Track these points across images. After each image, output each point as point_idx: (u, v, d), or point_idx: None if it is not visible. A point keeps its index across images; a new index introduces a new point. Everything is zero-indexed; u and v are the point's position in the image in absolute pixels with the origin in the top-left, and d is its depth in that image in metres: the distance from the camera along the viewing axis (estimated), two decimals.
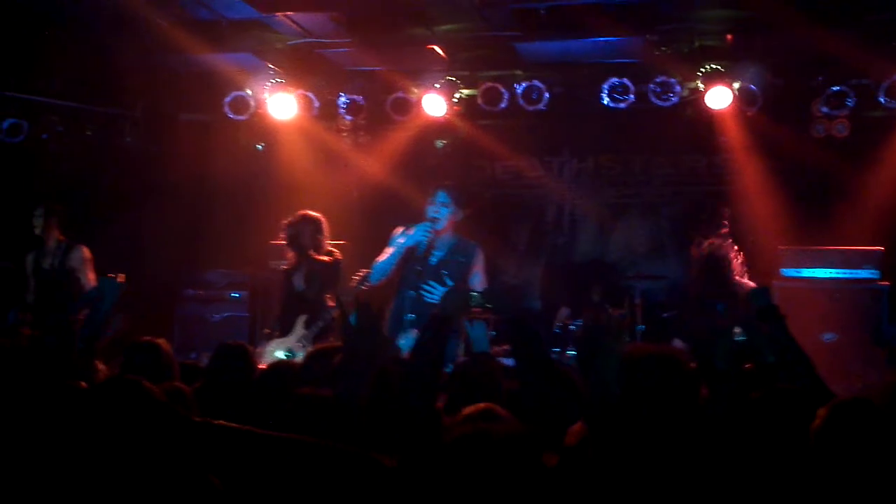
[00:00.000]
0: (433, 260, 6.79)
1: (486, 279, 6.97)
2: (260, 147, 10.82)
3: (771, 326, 4.08)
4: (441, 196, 6.80)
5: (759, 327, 4.19)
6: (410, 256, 6.77)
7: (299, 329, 7.76)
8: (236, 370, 4.79)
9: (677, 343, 7.69)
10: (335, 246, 8.13)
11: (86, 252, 8.02)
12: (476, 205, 9.23)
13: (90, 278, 7.90)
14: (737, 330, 4.44)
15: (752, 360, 4.36)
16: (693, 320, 7.91)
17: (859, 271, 8.53)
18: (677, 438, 3.17)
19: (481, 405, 3.46)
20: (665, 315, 8.66)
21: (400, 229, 6.94)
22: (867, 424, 3.02)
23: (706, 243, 8.23)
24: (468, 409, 3.44)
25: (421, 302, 6.63)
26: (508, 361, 4.59)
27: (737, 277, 7.95)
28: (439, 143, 10.64)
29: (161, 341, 5.04)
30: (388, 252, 6.88)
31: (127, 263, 7.83)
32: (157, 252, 9.98)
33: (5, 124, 9.49)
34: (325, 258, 7.96)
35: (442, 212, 6.78)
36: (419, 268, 6.71)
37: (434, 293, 6.60)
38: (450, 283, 6.64)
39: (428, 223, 6.76)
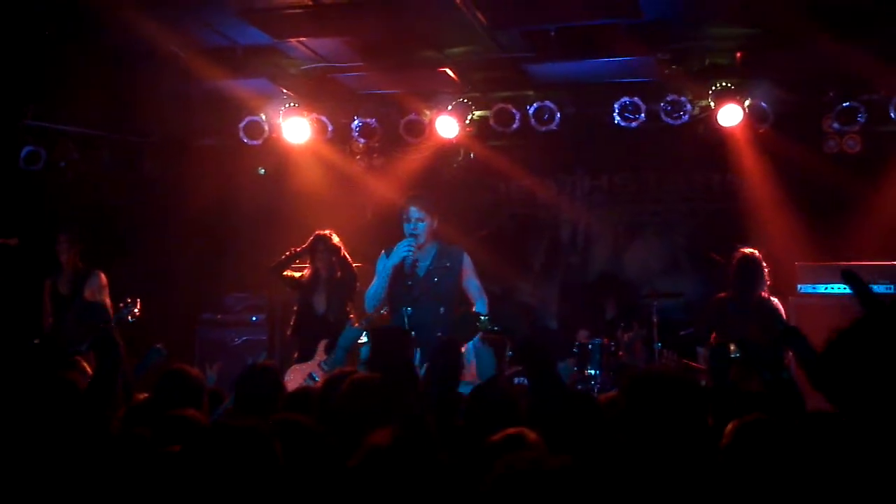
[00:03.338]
0: (420, 272, 6.84)
1: (480, 284, 7.00)
2: (262, 171, 10.89)
3: (795, 347, 4.07)
4: (413, 212, 6.85)
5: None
6: (398, 275, 6.82)
7: (320, 353, 7.79)
8: (266, 393, 4.82)
9: (700, 351, 7.65)
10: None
11: (102, 278, 8.10)
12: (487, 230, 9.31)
13: (106, 303, 7.97)
14: (732, 347, 4.46)
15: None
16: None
17: (874, 286, 8.51)
18: (682, 461, 3.18)
19: (511, 431, 3.44)
20: (682, 333, 8.64)
21: (381, 253, 7.02)
22: (770, 444, 3.06)
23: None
24: (497, 437, 3.42)
25: (418, 317, 6.66)
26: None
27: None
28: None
29: (188, 367, 5.11)
30: (376, 278, 6.96)
31: (145, 289, 7.94)
32: (175, 277, 10.07)
33: (24, 152, 9.60)
34: (343, 274, 8.04)
35: (419, 227, 6.83)
36: (409, 283, 6.75)
37: (429, 307, 6.65)
38: (441, 288, 6.68)
39: (410, 239, 6.80)
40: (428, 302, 6.77)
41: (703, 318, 7.92)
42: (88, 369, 5.73)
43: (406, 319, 6.65)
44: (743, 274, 7.54)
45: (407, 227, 6.86)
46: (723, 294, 7.74)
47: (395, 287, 6.88)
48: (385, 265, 6.92)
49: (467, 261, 7.01)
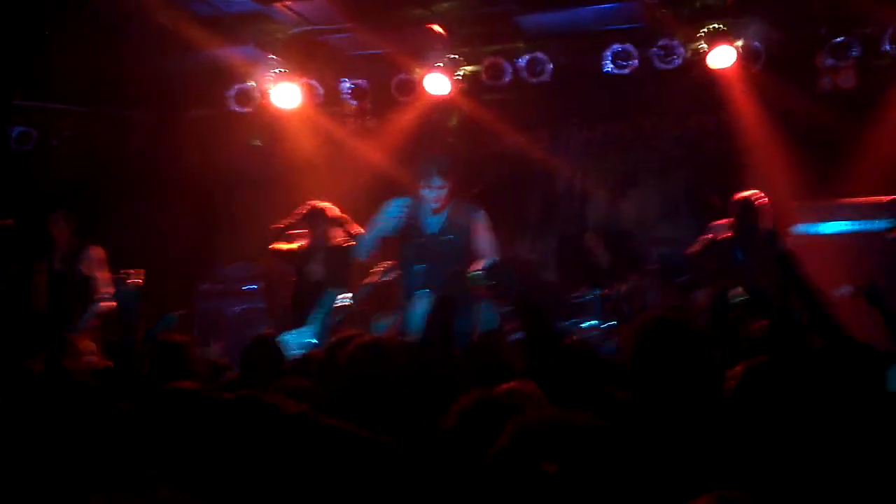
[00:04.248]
0: (434, 229, 6.81)
1: (494, 240, 6.96)
2: (257, 143, 10.85)
3: (787, 273, 4.04)
4: (436, 180, 6.80)
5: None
6: (408, 232, 6.80)
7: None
8: (270, 361, 4.85)
9: (698, 295, 7.64)
10: None
11: (98, 252, 8.05)
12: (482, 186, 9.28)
13: (105, 278, 7.94)
14: (733, 292, 4.44)
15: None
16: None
17: (874, 222, 8.49)
18: (691, 407, 3.16)
19: (511, 384, 3.42)
20: (679, 279, 8.62)
21: (391, 200, 7.00)
22: (777, 385, 3.05)
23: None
24: (499, 390, 3.40)
25: (430, 274, 6.64)
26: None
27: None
28: None
29: (184, 338, 5.11)
30: (371, 227, 6.93)
31: (143, 260, 7.89)
32: (172, 248, 10.04)
33: (15, 133, 9.56)
34: (340, 243, 8.00)
35: (440, 193, 6.80)
36: (422, 241, 6.73)
37: (443, 266, 6.61)
38: (456, 244, 6.65)
39: (403, 199, 6.85)
40: (441, 260, 6.74)
41: (702, 262, 7.88)
42: (80, 348, 5.70)
43: (419, 278, 6.64)
44: (745, 216, 7.50)
45: (427, 193, 6.80)
46: (724, 236, 7.69)
47: (406, 244, 6.87)
48: (388, 215, 6.91)
49: (481, 217, 6.96)
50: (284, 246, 8.25)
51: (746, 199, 7.53)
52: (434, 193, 6.77)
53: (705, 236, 7.84)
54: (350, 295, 7.77)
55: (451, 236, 6.78)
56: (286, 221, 8.21)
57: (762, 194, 7.54)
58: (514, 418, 2.33)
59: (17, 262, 8.32)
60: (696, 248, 7.88)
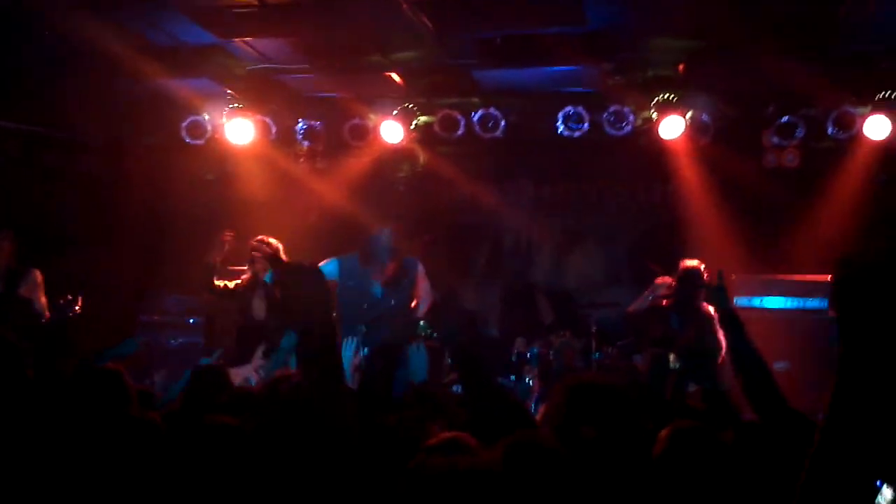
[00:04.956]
0: (377, 293, 6.86)
1: (429, 287, 7.05)
2: (210, 177, 10.80)
3: (730, 332, 4.07)
4: (384, 258, 6.89)
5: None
6: (351, 294, 6.84)
7: (258, 358, 7.68)
8: (211, 395, 4.80)
9: (637, 359, 7.72)
10: None
11: (38, 276, 7.93)
12: (432, 234, 9.34)
13: (42, 302, 7.82)
14: (672, 357, 4.50)
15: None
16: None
17: (810, 300, 8.66)
18: (616, 468, 3.19)
19: (447, 434, 3.44)
20: (620, 343, 8.71)
21: (332, 258, 7.05)
22: (704, 452, 3.10)
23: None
24: (435, 440, 3.42)
25: (372, 333, 6.68)
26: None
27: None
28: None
29: (119, 368, 5.03)
30: None
31: (84, 288, 7.80)
32: (114, 277, 9.92)
33: None
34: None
35: (385, 267, 6.87)
36: (365, 306, 6.78)
37: (385, 324, 6.67)
38: (398, 304, 6.70)
39: (344, 258, 7.00)
40: (383, 320, 6.82)
41: (641, 328, 7.98)
42: None
43: (360, 337, 6.68)
44: (686, 285, 7.61)
45: (378, 254, 6.91)
46: (663, 303, 7.80)
47: (349, 307, 6.90)
48: (327, 272, 6.90)
49: (420, 269, 7.08)
50: (224, 283, 8.17)
51: (689, 268, 7.64)
52: (383, 257, 6.86)
53: (644, 295, 7.95)
54: None
55: (393, 301, 6.86)
56: (218, 255, 8.11)
57: (703, 264, 7.66)
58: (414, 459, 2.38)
59: None
60: (633, 307, 7.98)
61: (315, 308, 3.29)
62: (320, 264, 6.95)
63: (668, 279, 7.80)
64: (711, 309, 7.66)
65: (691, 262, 7.69)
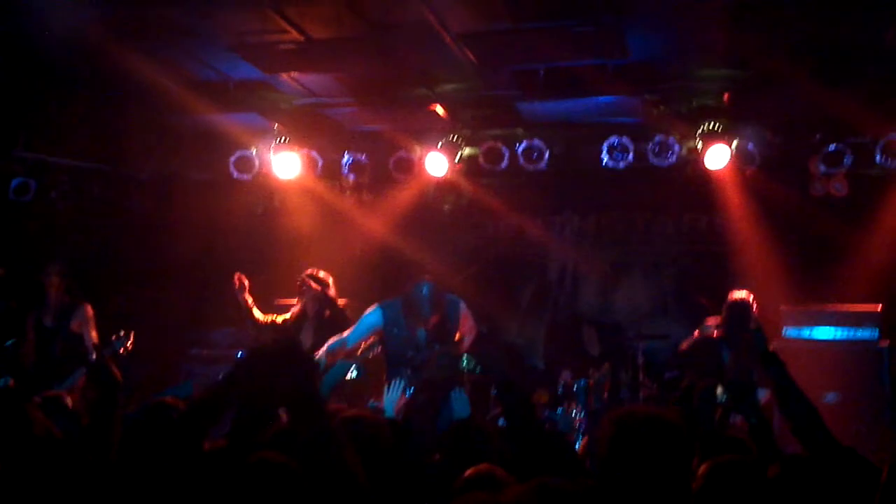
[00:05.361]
0: (421, 341, 6.87)
1: (473, 322, 7.05)
2: (258, 211, 10.90)
3: (772, 372, 4.04)
4: (426, 312, 6.91)
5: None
6: (397, 340, 6.87)
7: None
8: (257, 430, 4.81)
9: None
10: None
11: (89, 311, 8.01)
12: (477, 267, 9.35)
13: (93, 336, 7.90)
14: (719, 390, 4.45)
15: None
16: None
17: (860, 330, 8.53)
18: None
19: (482, 467, 3.44)
20: (668, 375, 8.62)
21: (375, 306, 7.07)
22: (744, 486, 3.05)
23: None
24: (468, 472, 3.42)
25: (419, 376, 6.68)
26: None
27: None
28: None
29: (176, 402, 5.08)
30: (354, 329, 7.09)
31: (135, 323, 7.90)
32: (165, 311, 10.03)
33: (14, 183, 9.59)
34: (332, 313, 8.01)
35: (430, 309, 6.89)
36: (410, 354, 6.80)
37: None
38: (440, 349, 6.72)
39: (389, 305, 6.98)
40: (430, 362, 6.84)
41: (691, 360, 7.90)
42: (70, 404, 5.66)
43: (406, 379, 6.70)
44: (735, 317, 7.53)
45: (421, 307, 6.91)
46: (713, 335, 7.72)
47: (395, 352, 6.94)
48: (372, 322, 6.99)
49: (463, 308, 7.09)
50: (270, 318, 8.24)
51: (738, 300, 7.57)
52: (426, 309, 6.88)
53: (695, 335, 7.88)
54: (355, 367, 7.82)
55: (438, 346, 6.87)
56: (242, 295, 8.19)
57: (752, 296, 7.59)
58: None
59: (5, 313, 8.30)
60: (685, 345, 7.91)
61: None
62: (365, 313, 7.07)
63: (717, 319, 7.73)
64: None
65: (740, 294, 7.61)
